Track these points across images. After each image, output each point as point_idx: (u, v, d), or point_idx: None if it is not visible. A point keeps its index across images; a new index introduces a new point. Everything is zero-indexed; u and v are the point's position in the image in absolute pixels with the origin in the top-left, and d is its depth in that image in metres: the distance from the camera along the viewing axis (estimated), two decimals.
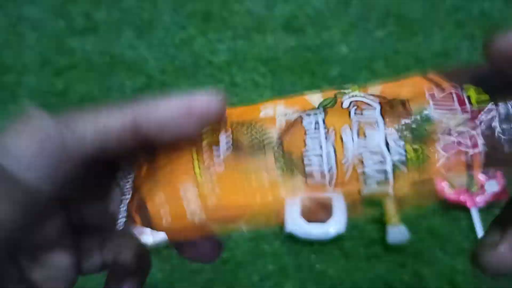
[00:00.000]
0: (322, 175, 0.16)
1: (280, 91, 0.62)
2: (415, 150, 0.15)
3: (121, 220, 0.17)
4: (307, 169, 0.16)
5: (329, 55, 0.65)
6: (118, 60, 0.65)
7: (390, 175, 0.15)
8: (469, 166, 0.15)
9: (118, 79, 0.63)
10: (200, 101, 0.15)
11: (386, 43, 0.66)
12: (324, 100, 0.17)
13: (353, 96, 0.17)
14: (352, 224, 0.54)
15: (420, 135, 0.15)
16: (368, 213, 0.55)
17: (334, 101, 0.17)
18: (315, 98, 0.17)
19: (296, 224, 0.51)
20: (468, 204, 0.54)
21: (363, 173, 0.15)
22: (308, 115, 0.16)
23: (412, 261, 0.52)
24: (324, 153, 0.16)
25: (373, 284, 0.51)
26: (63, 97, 0.62)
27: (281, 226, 0.53)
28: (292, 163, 0.16)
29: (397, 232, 0.50)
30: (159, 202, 0.16)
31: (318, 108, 0.17)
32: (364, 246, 0.53)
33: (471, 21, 0.69)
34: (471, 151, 0.15)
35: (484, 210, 0.55)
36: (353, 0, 0.70)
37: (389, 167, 0.15)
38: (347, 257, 0.53)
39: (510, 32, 0.14)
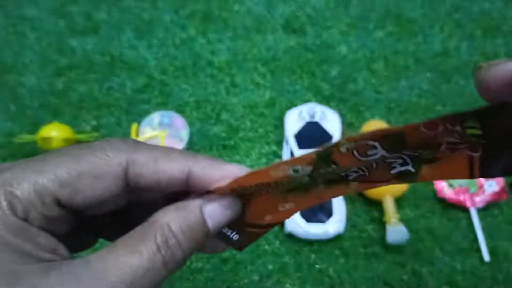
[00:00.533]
0: None
1: (280, 91, 0.63)
2: None
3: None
4: None
5: (329, 55, 0.65)
6: (118, 60, 0.65)
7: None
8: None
9: (119, 79, 0.63)
10: (238, 170, 0.19)
11: (386, 43, 0.67)
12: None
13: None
14: (351, 224, 0.55)
15: None
16: (368, 212, 0.55)
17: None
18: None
19: (296, 224, 0.51)
20: (468, 204, 0.54)
21: None
22: None
23: (412, 261, 0.53)
24: None
25: (373, 284, 0.51)
26: (63, 96, 0.62)
27: (281, 226, 0.54)
28: None
29: (396, 232, 0.50)
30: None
31: None
32: (364, 245, 0.53)
33: (471, 21, 0.69)
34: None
35: (483, 210, 0.56)
36: (353, 0, 0.70)
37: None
38: (347, 257, 0.53)
39: (499, 64, 0.15)
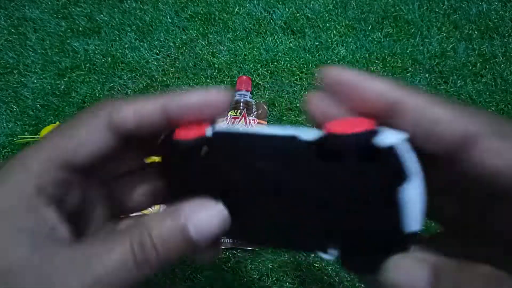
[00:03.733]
0: None
1: (280, 92, 0.63)
2: None
3: None
4: None
5: (328, 56, 0.66)
6: (119, 61, 0.65)
7: None
8: None
9: (120, 80, 0.64)
10: (214, 94, 0.19)
11: (384, 45, 0.67)
12: None
13: None
14: None
15: None
16: None
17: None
18: None
19: None
20: None
21: None
22: None
23: None
24: None
25: None
26: (65, 97, 0.62)
27: None
28: None
29: None
30: None
31: None
32: None
33: (468, 22, 0.70)
34: None
35: None
36: (351, 2, 0.71)
37: None
38: None
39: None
